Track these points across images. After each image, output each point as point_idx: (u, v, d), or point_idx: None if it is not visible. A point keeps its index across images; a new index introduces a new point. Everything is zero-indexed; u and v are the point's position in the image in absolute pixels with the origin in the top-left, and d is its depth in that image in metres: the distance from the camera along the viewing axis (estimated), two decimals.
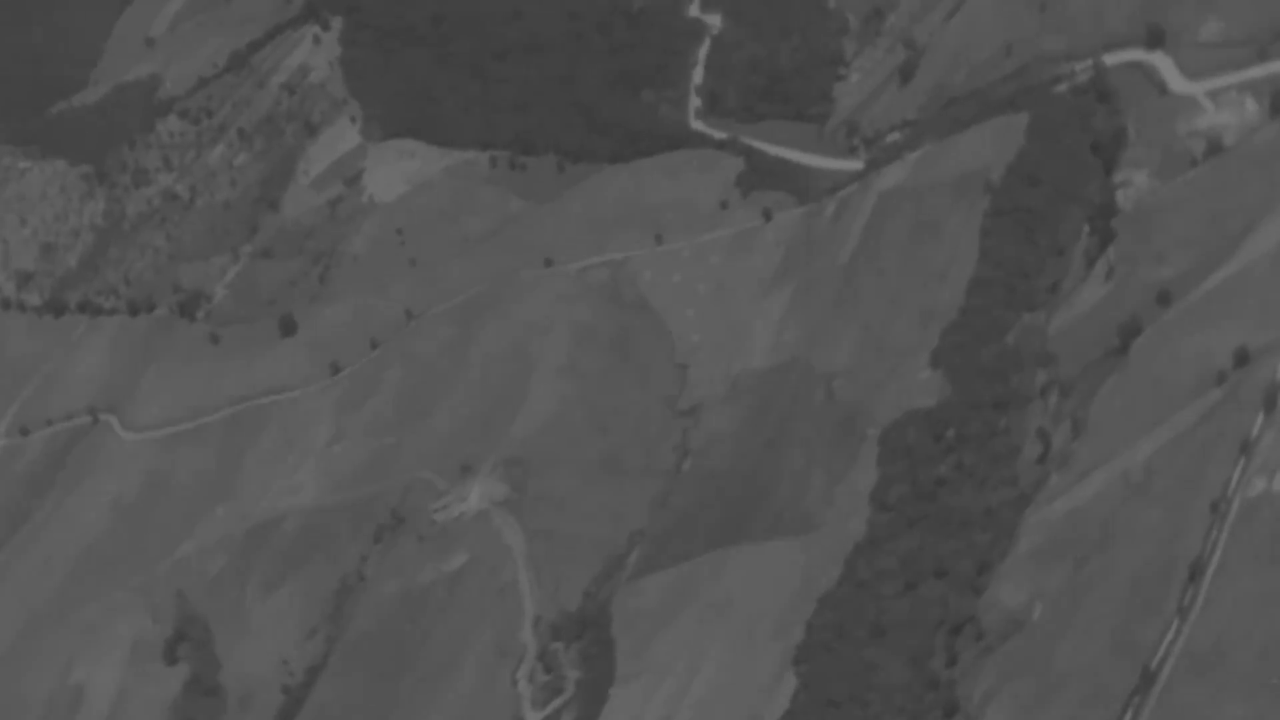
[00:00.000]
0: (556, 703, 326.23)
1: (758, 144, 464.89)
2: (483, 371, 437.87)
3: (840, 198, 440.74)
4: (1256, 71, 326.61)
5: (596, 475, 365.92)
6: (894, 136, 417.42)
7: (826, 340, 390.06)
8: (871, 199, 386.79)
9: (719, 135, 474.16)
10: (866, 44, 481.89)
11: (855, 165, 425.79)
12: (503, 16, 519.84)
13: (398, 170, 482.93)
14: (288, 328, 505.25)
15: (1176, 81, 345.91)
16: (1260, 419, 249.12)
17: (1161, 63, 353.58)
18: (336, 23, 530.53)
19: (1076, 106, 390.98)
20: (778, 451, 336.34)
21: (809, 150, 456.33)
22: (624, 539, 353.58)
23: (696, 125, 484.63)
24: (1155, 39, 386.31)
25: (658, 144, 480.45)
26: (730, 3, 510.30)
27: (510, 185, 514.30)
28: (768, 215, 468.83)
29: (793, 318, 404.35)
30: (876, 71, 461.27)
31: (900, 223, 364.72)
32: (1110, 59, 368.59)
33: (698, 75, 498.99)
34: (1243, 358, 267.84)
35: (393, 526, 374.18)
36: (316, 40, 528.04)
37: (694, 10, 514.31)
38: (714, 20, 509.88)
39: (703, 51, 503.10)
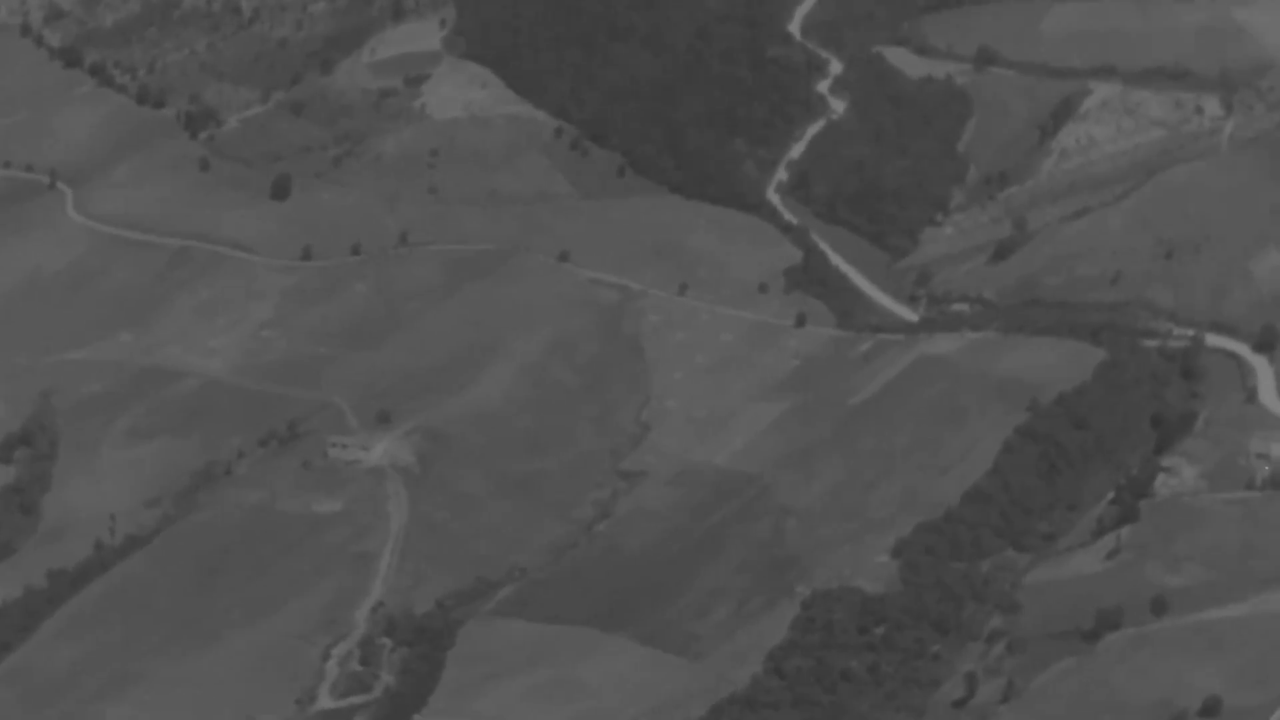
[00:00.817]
0: (356, 699, 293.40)
1: (824, 245, 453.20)
2: (448, 331, 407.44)
3: (880, 339, 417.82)
4: None
5: (509, 491, 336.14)
6: (961, 306, 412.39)
7: (801, 474, 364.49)
8: (910, 357, 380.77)
9: (790, 218, 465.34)
10: (975, 202, 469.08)
11: (909, 315, 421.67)
12: (639, 1, 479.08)
13: (462, 94, 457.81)
14: (280, 191, 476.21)
15: (1269, 396, 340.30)
16: None
17: (1262, 370, 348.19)
18: None
19: (1157, 370, 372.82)
20: (698, 560, 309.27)
21: (871, 277, 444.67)
22: (504, 568, 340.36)
23: (772, 197, 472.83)
24: (1266, 343, 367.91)
25: (726, 196, 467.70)
26: (861, 96, 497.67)
27: (563, 163, 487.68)
28: (800, 320, 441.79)
29: (778, 434, 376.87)
30: (974, 234, 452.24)
31: (928, 394, 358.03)
32: (1212, 340, 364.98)
33: (797, 150, 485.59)
34: (1211, 708, 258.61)
35: (285, 439, 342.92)
36: None
37: (823, 86, 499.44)
38: (838, 104, 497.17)
39: (813, 129, 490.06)
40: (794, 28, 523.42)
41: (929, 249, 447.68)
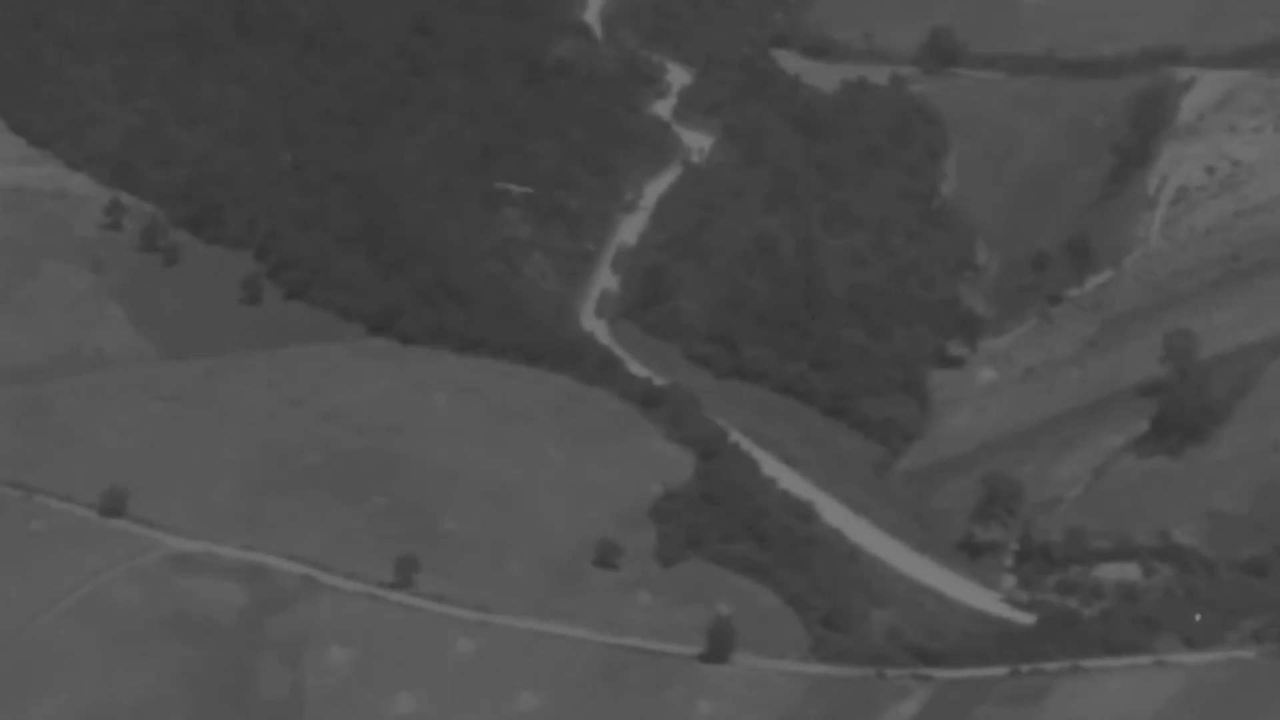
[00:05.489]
0: None
1: (736, 434, 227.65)
2: None
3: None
4: None
5: None
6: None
7: None
8: None
9: (644, 373, 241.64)
10: (1019, 305, 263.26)
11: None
12: None
13: None
14: None
15: None
16: None
17: None
18: None
19: None
20: None
21: (861, 507, 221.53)
22: None
23: (593, 326, 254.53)
24: None
25: (492, 334, 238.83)
26: (740, 123, 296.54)
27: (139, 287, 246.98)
28: (717, 645, 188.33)
29: None
30: (1054, 378, 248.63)
31: None
32: None
33: (630, 227, 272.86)
34: None
35: None
36: None
37: (661, 108, 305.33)
38: (697, 140, 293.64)
39: (656, 186, 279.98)
40: (591, 18, 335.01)
41: (951, 421, 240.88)
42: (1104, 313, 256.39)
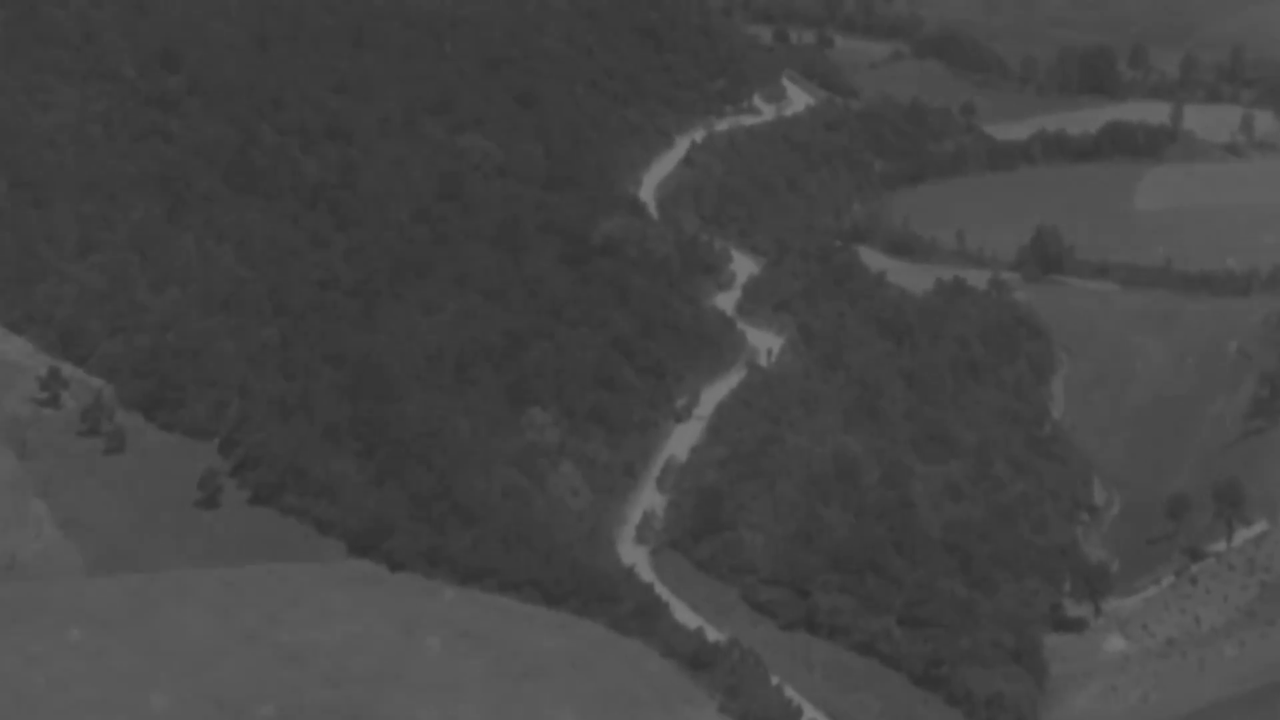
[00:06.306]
0: None
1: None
2: None
3: None
4: None
5: None
6: None
7: None
8: None
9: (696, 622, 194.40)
10: (1151, 557, 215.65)
11: None
12: None
13: None
14: None
15: None
16: None
17: None
18: None
19: None
20: None
21: None
22: None
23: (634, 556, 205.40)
24: None
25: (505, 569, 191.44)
26: (815, 322, 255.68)
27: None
28: None
29: None
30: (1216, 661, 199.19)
31: None
32: None
33: (682, 441, 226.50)
34: None
35: None
36: None
37: (725, 302, 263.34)
38: (765, 341, 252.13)
39: (714, 394, 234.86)
40: (646, 194, 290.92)
41: (1075, 700, 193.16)
42: (1261, 575, 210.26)
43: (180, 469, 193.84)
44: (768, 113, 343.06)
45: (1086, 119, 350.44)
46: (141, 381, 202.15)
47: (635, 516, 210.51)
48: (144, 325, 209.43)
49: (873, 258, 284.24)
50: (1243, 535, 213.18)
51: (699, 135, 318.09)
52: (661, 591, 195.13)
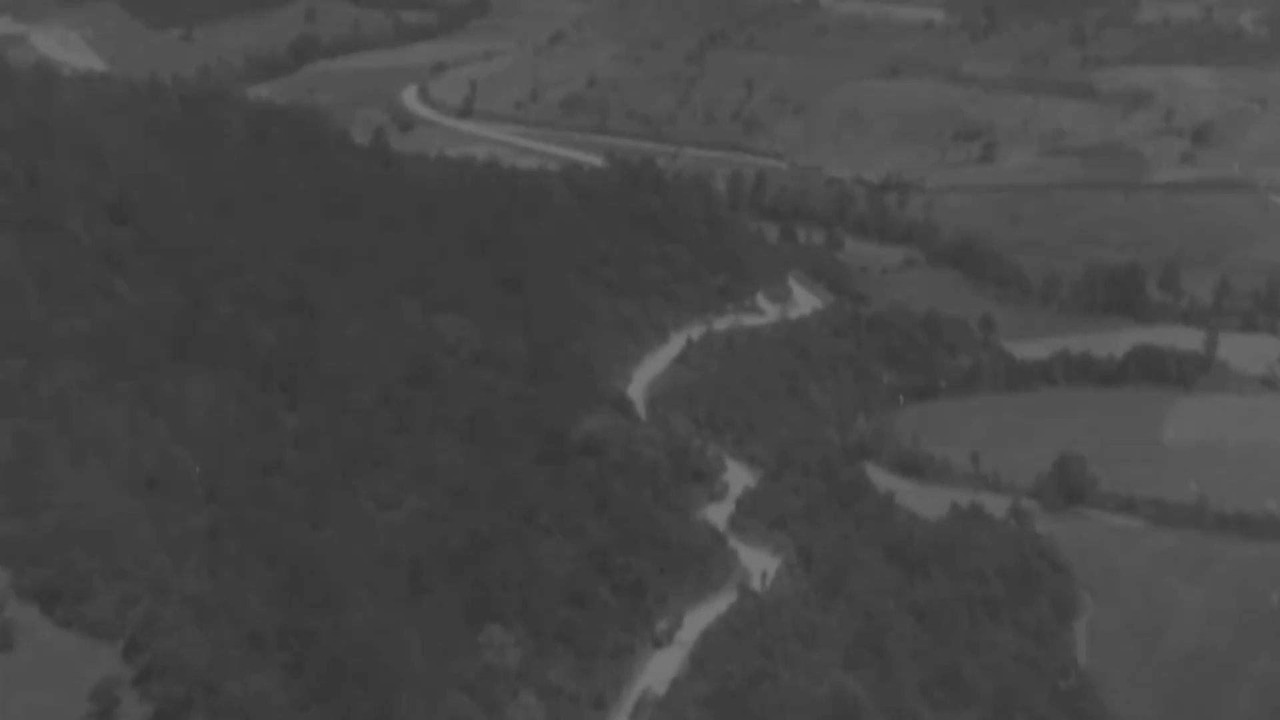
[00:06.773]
0: None
1: None
2: None
3: None
4: None
5: None
6: None
7: None
8: None
9: None
10: None
11: None
12: None
13: None
14: None
15: None
16: None
17: None
18: None
19: None
20: None
21: None
22: None
23: None
24: None
25: None
26: (815, 544, 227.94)
27: None
28: None
29: None
30: None
31: None
32: None
33: (661, 671, 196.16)
34: None
35: None
36: None
37: (715, 514, 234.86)
38: (760, 562, 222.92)
39: (698, 618, 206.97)
40: (635, 393, 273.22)
41: None
42: None
43: (74, 675, 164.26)
44: (771, 313, 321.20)
45: (1112, 341, 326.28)
46: (40, 569, 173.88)
47: None
48: (54, 503, 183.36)
49: (879, 476, 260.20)
50: None
51: (696, 332, 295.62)
52: None
